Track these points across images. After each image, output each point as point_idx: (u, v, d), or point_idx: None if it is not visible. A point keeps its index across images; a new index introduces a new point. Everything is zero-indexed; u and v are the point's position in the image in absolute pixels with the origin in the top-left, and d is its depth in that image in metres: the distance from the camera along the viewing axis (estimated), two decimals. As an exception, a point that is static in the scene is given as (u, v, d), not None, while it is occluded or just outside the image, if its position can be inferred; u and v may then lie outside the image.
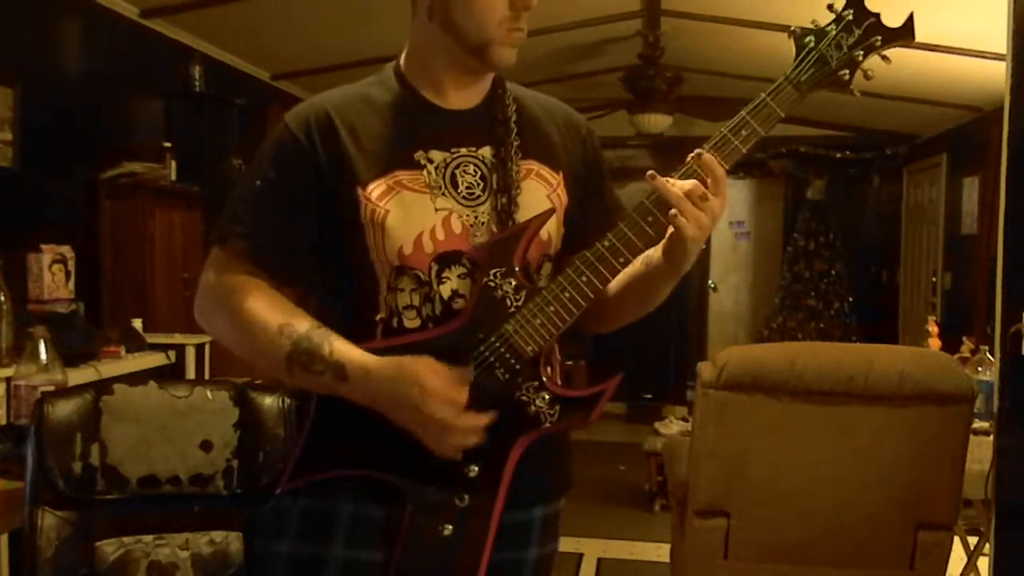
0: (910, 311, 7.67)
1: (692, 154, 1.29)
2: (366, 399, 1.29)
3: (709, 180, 1.26)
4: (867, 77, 1.28)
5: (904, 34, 1.26)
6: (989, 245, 5.41)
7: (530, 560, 1.45)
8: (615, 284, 1.39)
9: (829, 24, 1.27)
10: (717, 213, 1.27)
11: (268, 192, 1.37)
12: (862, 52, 1.26)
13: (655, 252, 1.34)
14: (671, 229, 1.29)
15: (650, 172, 1.29)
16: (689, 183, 1.26)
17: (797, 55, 1.27)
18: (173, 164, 4.53)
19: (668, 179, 1.28)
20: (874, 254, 8.12)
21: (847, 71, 1.27)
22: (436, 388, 1.25)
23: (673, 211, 1.25)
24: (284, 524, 1.39)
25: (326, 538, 1.36)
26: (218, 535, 1.97)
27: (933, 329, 4.25)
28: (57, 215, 4.03)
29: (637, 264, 1.36)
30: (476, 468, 1.32)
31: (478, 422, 1.28)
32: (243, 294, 1.35)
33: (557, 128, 1.48)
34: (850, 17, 1.26)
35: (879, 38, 1.26)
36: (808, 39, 1.27)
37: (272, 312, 1.34)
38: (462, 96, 1.42)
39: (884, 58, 1.28)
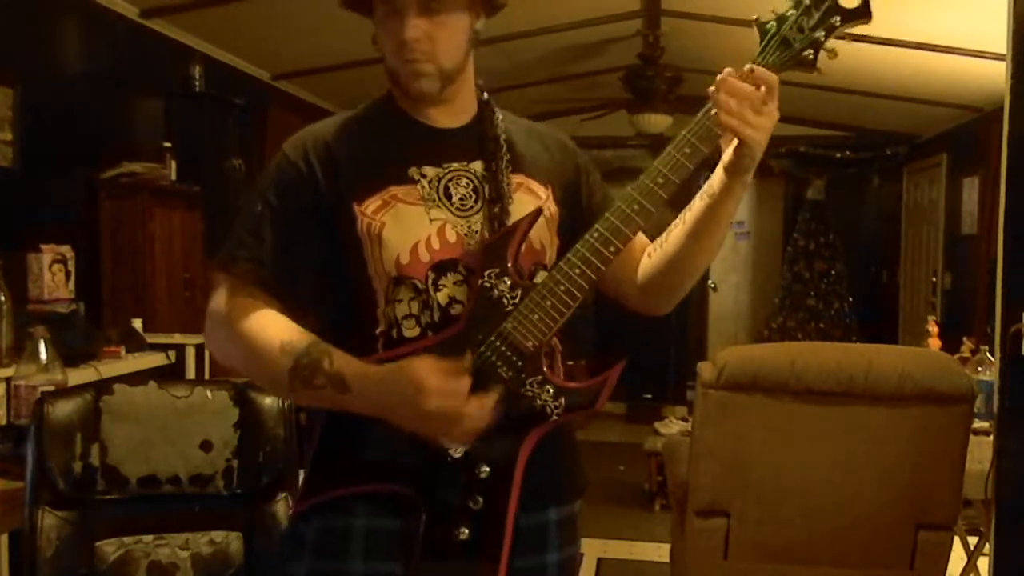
0: (910, 311, 7.67)
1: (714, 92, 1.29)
2: (369, 408, 1.30)
3: (764, 88, 1.28)
4: (831, 57, 1.32)
5: (861, 14, 1.30)
6: (989, 245, 5.41)
7: (551, 565, 1.45)
8: (673, 241, 1.44)
9: (788, 9, 1.32)
10: (775, 117, 1.29)
11: (270, 217, 1.39)
12: (823, 32, 1.30)
13: (713, 181, 1.37)
14: (726, 152, 1.31)
15: (726, 72, 1.29)
16: (749, 87, 1.28)
17: (761, 40, 1.32)
18: (173, 164, 4.52)
19: (725, 78, 1.28)
20: (874, 254, 8.11)
21: (811, 51, 1.31)
22: (434, 384, 1.25)
23: (725, 118, 1.27)
24: (301, 546, 1.40)
25: (344, 555, 1.37)
26: (218, 535, 1.97)
27: (933, 329, 4.24)
28: (57, 215, 4.03)
29: (695, 204, 1.40)
30: (487, 469, 1.33)
31: (486, 404, 1.28)
32: (247, 316, 1.37)
33: (545, 147, 1.53)
34: (808, 1, 1.31)
35: (838, 18, 1.30)
36: (770, 24, 1.32)
37: (274, 331, 1.36)
38: (448, 117, 1.46)
39: (844, 36, 1.32)
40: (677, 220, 1.42)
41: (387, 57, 1.40)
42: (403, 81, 1.40)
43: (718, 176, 1.36)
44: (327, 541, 1.38)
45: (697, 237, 1.41)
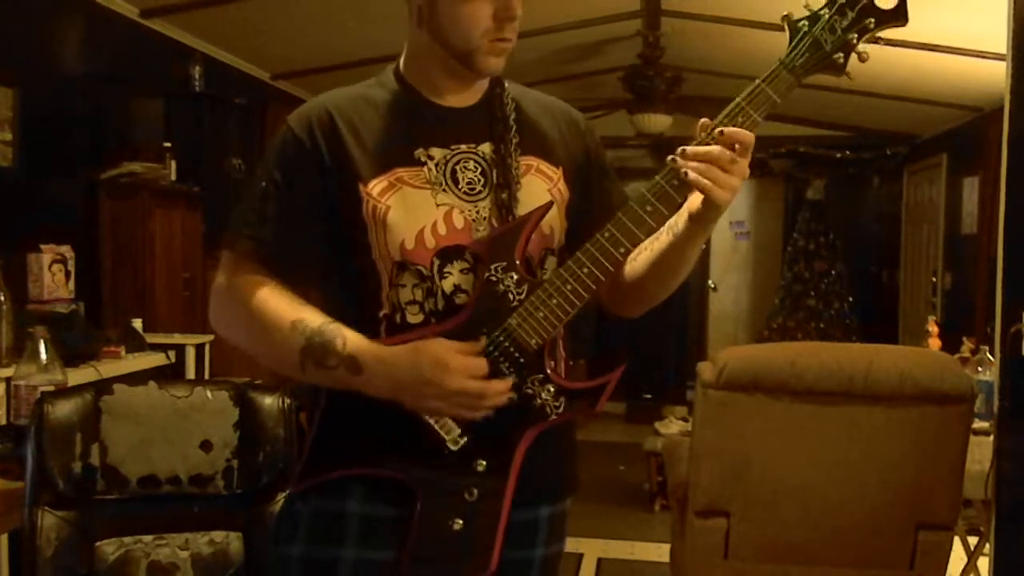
0: (910, 311, 7.67)
1: (704, 134, 1.27)
2: (383, 389, 1.30)
3: (738, 147, 1.26)
4: (862, 60, 1.28)
5: (897, 16, 1.26)
6: (989, 245, 5.41)
7: (537, 560, 1.46)
8: (642, 263, 1.42)
9: (822, 8, 1.28)
10: (745, 173, 1.27)
11: (274, 194, 1.38)
12: (856, 35, 1.26)
13: (678, 220, 1.34)
14: (693, 198, 1.29)
15: (670, 158, 1.29)
16: (716, 148, 1.25)
17: (791, 40, 1.28)
18: (173, 164, 4.52)
19: (687, 148, 1.27)
20: (874, 254, 8.11)
21: (841, 54, 1.27)
22: (457, 363, 1.27)
23: (694, 176, 1.24)
24: (296, 527, 1.40)
25: (337, 540, 1.37)
26: (218, 535, 1.97)
27: (933, 329, 4.24)
28: (57, 215, 4.03)
29: (661, 237, 1.37)
30: (484, 462, 1.33)
31: (505, 384, 1.30)
32: (254, 294, 1.36)
33: (556, 124, 1.50)
34: (843, 0, 1.26)
35: (872, 20, 1.26)
36: (802, 23, 1.28)
37: (284, 309, 1.35)
38: (460, 96, 1.44)
39: (878, 40, 1.28)
40: (646, 243, 1.39)
41: (462, 33, 1.35)
42: (480, 59, 1.36)
43: (682, 219, 1.33)
44: (321, 525, 1.38)
45: (661, 268, 1.41)
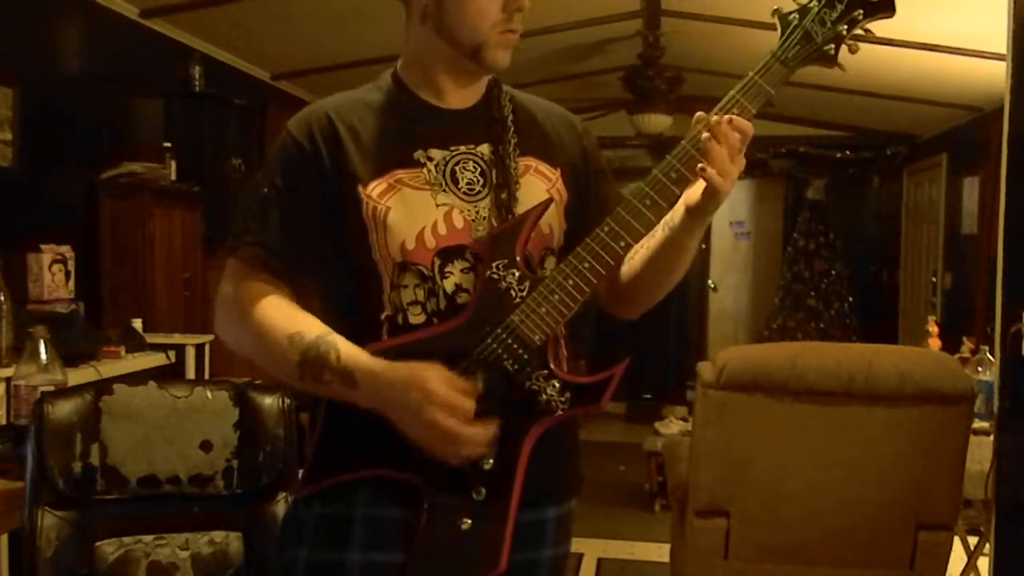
0: (910, 311, 7.67)
1: (704, 123, 1.29)
2: (374, 405, 1.30)
3: (739, 135, 1.28)
4: (852, 51, 1.30)
5: (884, 7, 1.29)
6: (989, 245, 5.41)
7: (544, 561, 1.46)
8: (639, 261, 1.43)
9: (811, 1, 1.30)
10: (743, 164, 1.30)
11: (275, 198, 1.38)
12: (846, 26, 1.29)
13: (675, 215, 1.36)
14: (700, 183, 1.30)
15: (699, 114, 1.31)
16: (729, 132, 1.27)
17: (782, 33, 1.31)
18: (173, 164, 4.53)
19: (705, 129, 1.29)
20: (874, 254, 8.11)
21: (832, 46, 1.30)
22: (441, 396, 1.25)
23: (702, 166, 1.27)
24: (301, 532, 1.39)
25: (343, 543, 1.36)
26: (218, 535, 1.97)
27: (933, 329, 4.24)
28: (57, 215, 4.03)
29: (657, 234, 1.38)
30: (491, 460, 1.33)
31: (486, 433, 1.28)
32: (256, 303, 1.36)
33: (553, 126, 1.51)
34: None
35: (861, 12, 1.29)
36: (792, 16, 1.31)
37: (282, 321, 1.35)
38: (460, 97, 1.44)
39: (867, 31, 1.31)
40: (642, 242, 1.40)
41: (471, 26, 1.35)
42: (489, 53, 1.37)
43: (679, 213, 1.34)
44: (327, 529, 1.38)
45: (659, 264, 1.41)
